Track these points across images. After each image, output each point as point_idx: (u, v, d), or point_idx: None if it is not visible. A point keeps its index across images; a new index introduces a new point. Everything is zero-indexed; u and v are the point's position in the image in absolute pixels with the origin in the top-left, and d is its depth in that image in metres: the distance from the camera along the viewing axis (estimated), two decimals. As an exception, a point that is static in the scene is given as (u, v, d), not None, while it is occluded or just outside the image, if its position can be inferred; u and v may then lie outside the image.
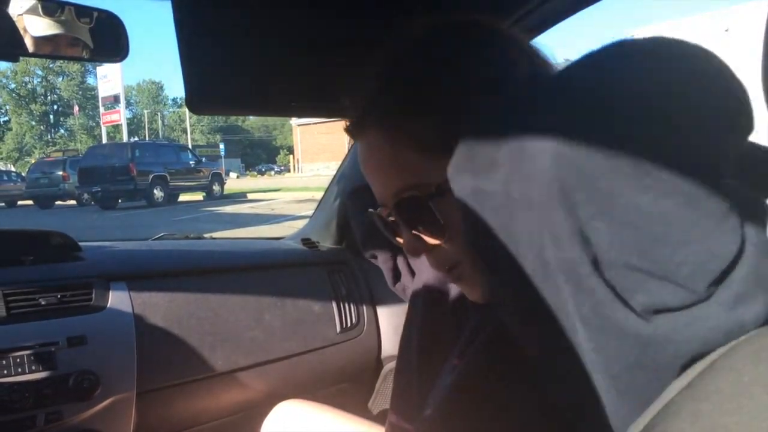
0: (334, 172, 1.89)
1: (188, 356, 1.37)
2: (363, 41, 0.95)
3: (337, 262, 1.74)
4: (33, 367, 1.16)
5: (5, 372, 1.14)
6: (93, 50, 0.97)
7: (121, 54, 0.96)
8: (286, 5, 0.88)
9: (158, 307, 1.37)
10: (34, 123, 64.82)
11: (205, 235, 1.99)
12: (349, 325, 1.64)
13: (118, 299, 1.33)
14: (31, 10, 0.92)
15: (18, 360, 1.15)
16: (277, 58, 0.89)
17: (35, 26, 0.94)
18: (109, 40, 0.97)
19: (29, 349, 1.17)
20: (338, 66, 0.94)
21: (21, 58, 0.99)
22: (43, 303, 1.24)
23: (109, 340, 1.27)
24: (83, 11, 0.94)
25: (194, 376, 1.37)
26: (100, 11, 0.96)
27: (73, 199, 20.10)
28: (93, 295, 1.31)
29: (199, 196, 20.89)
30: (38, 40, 0.92)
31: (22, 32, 0.95)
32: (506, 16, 1.18)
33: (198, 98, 0.85)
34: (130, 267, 1.43)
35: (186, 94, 0.84)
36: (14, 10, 0.95)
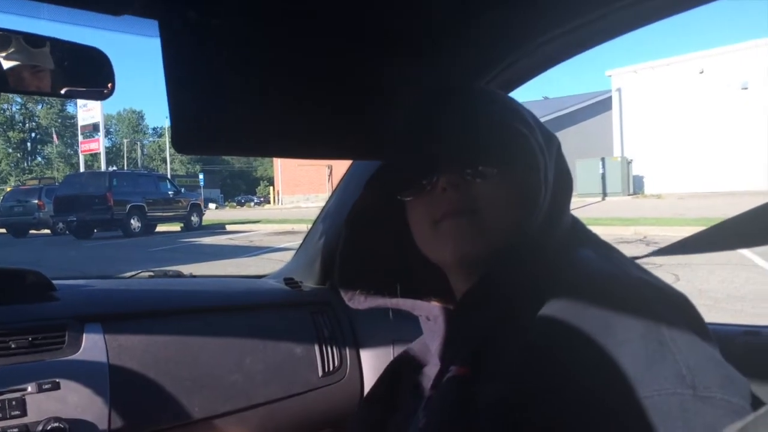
0: (314, 204, 1.86)
1: (164, 402, 1.31)
2: (356, 82, 0.94)
3: (320, 303, 1.70)
4: (1, 414, 1.10)
5: (-30, 420, 1.07)
6: (76, 87, 0.94)
7: (106, 91, 0.93)
8: (277, 45, 0.86)
9: (134, 350, 1.31)
10: (10, 150, 64.01)
11: (185, 272, 1.93)
12: (331, 368, 1.60)
13: (92, 342, 1.27)
14: (8, 46, 0.88)
15: (-15, 407, 1.09)
16: (270, 98, 0.87)
17: (13, 62, 0.91)
18: (94, 76, 0.94)
19: (-3, 396, 1.11)
20: (333, 107, 0.92)
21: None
22: (13, 346, 1.19)
23: (82, 386, 1.21)
24: (63, 46, 0.91)
25: (170, 423, 1.31)
26: (84, 47, 0.93)
27: (47, 228, 19.75)
28: (66, 338, 1.25)
29: (176, 227, 20.65)
30: (17, 77, 0.89)
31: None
32: (486, 72, 1.21)
33: (185, 138, 0.83)
34: (105, 307, 1.37)
35: (172, 134, 0.82)
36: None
